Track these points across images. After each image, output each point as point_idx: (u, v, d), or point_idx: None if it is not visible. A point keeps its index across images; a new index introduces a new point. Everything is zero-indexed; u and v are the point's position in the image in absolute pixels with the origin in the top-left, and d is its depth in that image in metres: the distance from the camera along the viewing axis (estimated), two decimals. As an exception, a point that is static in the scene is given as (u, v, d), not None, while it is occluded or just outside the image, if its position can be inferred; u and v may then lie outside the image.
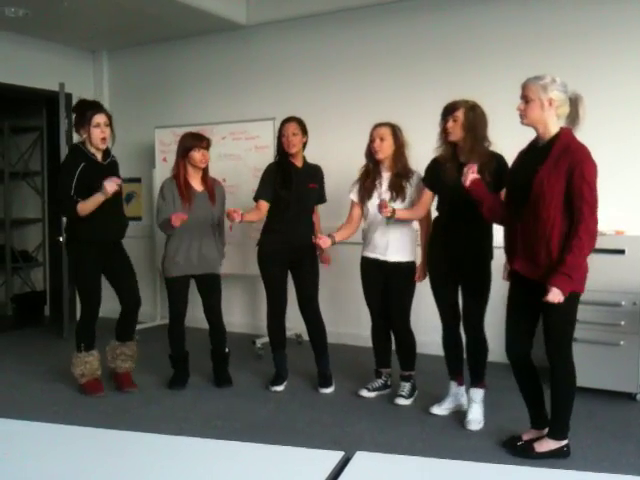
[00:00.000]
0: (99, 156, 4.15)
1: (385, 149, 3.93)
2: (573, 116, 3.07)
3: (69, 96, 6.30)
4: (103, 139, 4.07)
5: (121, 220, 4.30)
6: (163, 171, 5.80)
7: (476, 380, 3.72)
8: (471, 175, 3.31)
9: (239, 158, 5.55)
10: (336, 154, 5.05)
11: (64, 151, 5.99)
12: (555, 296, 2.95)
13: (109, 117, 4.14)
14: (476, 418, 3.63)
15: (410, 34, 5.27)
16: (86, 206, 3.96)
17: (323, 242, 3.88)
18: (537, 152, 3.10)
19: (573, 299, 3.08)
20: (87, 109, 4.11)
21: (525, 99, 3.09)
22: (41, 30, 5.97)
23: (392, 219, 3.72)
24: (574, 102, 3.07)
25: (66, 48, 6.53)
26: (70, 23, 5.82)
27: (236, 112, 5.90)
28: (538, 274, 3.06)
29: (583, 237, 2.93)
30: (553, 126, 3.05)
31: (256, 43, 5.97)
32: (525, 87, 3.10)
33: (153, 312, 6.40)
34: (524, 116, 3.10)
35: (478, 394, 3.69)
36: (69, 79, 6.15)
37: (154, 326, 6.14)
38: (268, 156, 5.52)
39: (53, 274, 7.00)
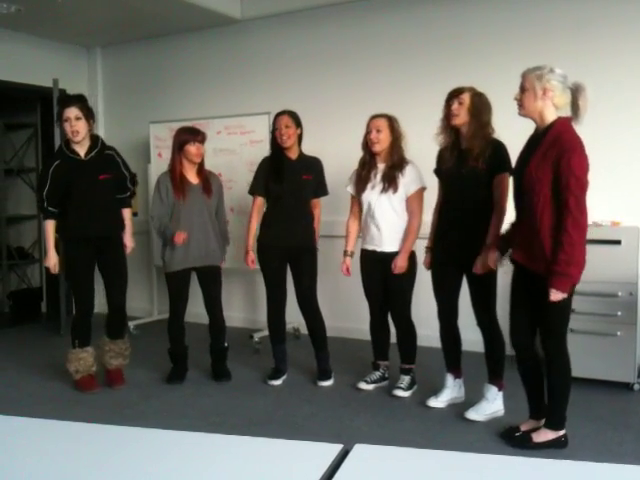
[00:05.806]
0: (82, 152, 4.09)
1: (382, 141, 3.92)
2: (573, 107, 3.04)
3: (63, 92, 6.26)
4: (73, 132, 4.00)
5: (108, 216, 4.15)
6: (158, 166, 5.79)
7: (491, 377, 3.69)
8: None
9: (234, 153, 5.54)
10: (332, 148, 5.04)
11: (59, 147, 5.97)
12: (556, 296, 2.95)
13: (83, 109, 4.02)
14: (476, 409, 3.61)
15: (408, 27, 5.24)
16: (47, 234, 4.15)
17: (347, 270, 4.13)
18: (533, 142, 3.10)
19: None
20: (59, 105, 4.10)
21: (521, 89, 3.08)
22: (34, 26, 5.94)
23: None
24: (574, 93, 3.02)
25: (60, 44, 6.49)
26: (64, 19, 5.78)
27: (231, 107, 5.89)
28: (536, 266, 3.06)
29: (571, 232, 2.89)
30: (550, 116, 3.03)
31: (251, 38, 5.95)
32: (523, 77, 3.09)
33: (150, 307, 6.40)
34: (520, 106, 3.09)
35: (487, 390, 3.66)
36: (63, 75, 6.13)
37: (151, 321, 6.14)
38: (263, 150, 5.50)
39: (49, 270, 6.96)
